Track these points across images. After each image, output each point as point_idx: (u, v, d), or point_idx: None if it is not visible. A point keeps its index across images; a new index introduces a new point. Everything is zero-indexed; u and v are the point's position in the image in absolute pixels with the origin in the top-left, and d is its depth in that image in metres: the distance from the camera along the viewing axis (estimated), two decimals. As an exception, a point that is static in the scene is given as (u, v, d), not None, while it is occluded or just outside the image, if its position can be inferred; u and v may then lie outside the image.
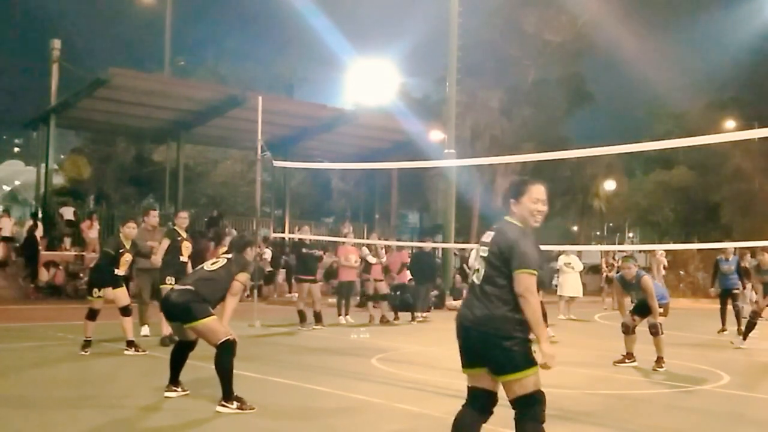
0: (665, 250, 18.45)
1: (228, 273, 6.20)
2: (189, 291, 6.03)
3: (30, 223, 20.73)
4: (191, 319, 5.96)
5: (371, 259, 14.51)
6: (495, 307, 3.86)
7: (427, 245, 16.05)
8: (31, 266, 19.12)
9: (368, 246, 15.14)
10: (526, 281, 3.80)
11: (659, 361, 8.92)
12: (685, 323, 14.77)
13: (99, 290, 8.93)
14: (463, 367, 4.03)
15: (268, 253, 20.06)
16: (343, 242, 14.59)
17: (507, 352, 3.81)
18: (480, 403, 3.97)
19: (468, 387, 4.04)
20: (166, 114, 23.41)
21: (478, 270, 4.00)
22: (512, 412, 3.86)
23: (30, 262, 19.19)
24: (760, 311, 11.65)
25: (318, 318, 13.08)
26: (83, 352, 8.79)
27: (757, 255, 12.13)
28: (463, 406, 4.04)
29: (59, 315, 14.19)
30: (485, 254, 3.97)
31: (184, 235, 10.00)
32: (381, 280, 14.69)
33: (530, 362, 3.83)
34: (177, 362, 6.36)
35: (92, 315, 8.94)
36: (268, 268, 20.29)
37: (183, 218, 10.14)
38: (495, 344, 3.83)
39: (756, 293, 11.84)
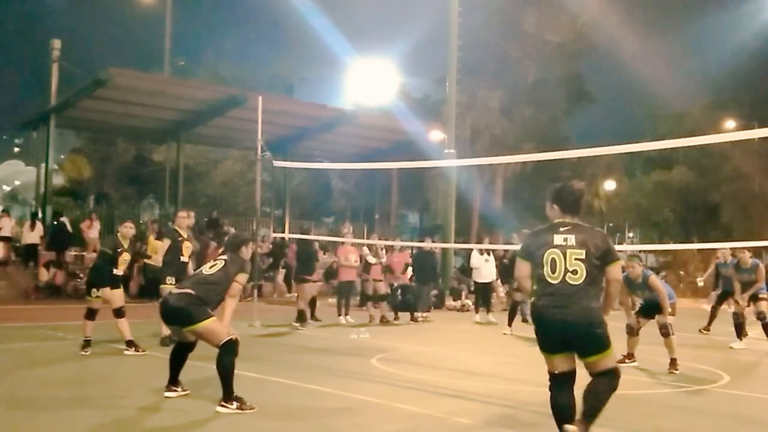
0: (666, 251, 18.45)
1: (226, 275, 6.18)
2: (187, 294, 6.00)
3: (57, 219, 21.10)
4: (190, 322, 5.94)
5: (371, 259, 14.51)
6: (592, 301, 4.62)
7: (427, 245, 16.05)
8: (58, 254, 19.54)
9: (368, 246, 15.13)
10: (619, 268, 4.78)
11: (673, 363, 8.70)
12: (685, 323, 14.74)
13: (97, 290, 8.95)
14: (547, 352, 4.70)
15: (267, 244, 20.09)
16: (343, 242, 14.57)
17: (600, 336, 4.60)
18: (567, 381, 4.66)
19: (551, 371, 4.69)
20: (166, 114, 23.40)
21: (575, 271, 4.60)
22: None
23: (58, 252, 19.54)
24: (741, 310, 11.70)
25: (304, 317, 13.11)
26: (83, 352, 8.80)
27: (737, 253, 12.13)
28: (552, 388, 4.67)
29: (59, 315, 14.18)
30: (582, 257, 4.60)
31: (185, 234, 9.93)
32: (380, 280, 14.68)
33: (610, 342, 4.67)
34: (176, 362, 6.35)
35: (91, 314, 8.95)
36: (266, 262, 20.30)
37: (182, 218, 10.04)
38: (592, 332, 4.57)
39: (736, 292, 11.88)
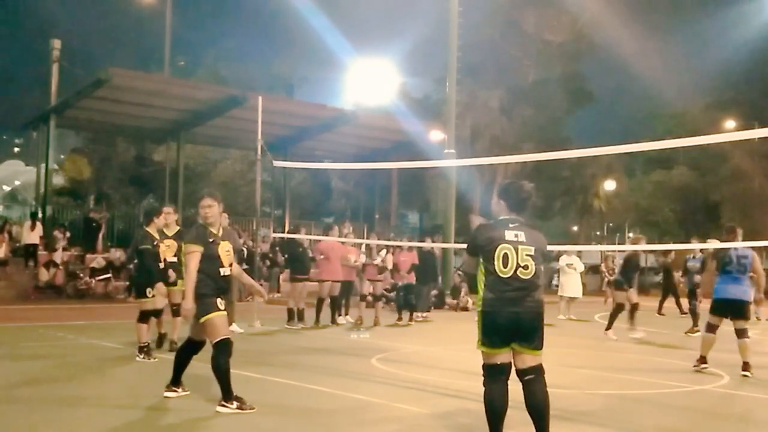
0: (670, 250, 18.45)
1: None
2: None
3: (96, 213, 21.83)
4: (195, 316, 6.02)
5: (363, 259, 14.40)
6: (540, 295, 4.83)
7: (427, 245, 16.02)
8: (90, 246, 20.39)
9: (364, 246, 15.02)
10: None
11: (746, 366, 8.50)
12: (685, 323, 14.78)
13: (152, 289, 8.69)
14: (492, 347, 4.75)
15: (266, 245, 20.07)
16: (320, 240, 14.42)
17: (543, 330, 4.84)
18: (507, 375, 4.79)
19: (493, 365, 4.77)
20: (166, 114, 23.39)
21: (526, 266, 4.74)
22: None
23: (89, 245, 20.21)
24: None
25: (301, 316, 13.08)
26: (143, 359, 8.47)
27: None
28: (492, 383, 4.77)
29: (59, 315, 14.20)
30: (532, 253, 4.76)
31: (168, 233, 9.17)
32: (378, 281, 14.62)
33: None
34: (181, 363, 6.34)
35: (146, 317, 8.62)
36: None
37: (168, 213, 9.30)
38: (540, 325, 4.80)
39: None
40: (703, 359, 8.78)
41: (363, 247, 14.85)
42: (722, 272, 8.62)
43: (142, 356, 8.51)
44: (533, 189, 5.03)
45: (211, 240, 6.06)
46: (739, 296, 8.52)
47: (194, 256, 5.97)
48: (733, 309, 8.57)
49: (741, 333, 8.55)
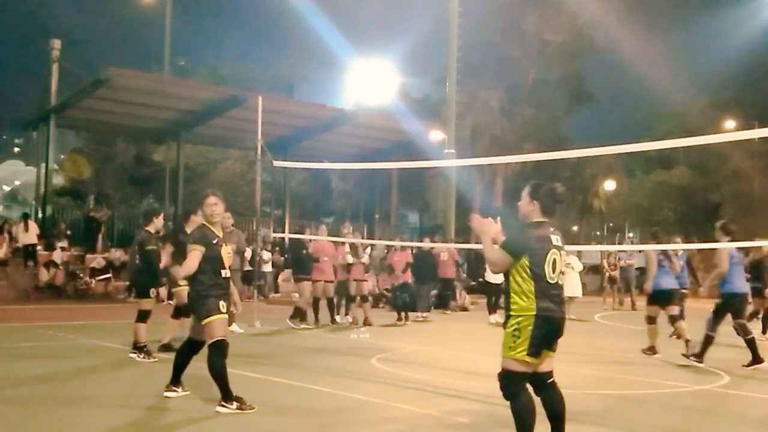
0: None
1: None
2: (197, 287, 6.10)
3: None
4: (197, 317, 6.06)
5: (349, 259, 14.35)
6: None
7: (427, 245, 16.02)
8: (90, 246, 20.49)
9: (349, 245, 14.94)
10: None
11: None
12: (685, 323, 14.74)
13: (155, 290, 8.69)
14: (538, 357, 4.56)
15: (266, 255, 20.01)
16: (312, 239, 14.38)
17: None
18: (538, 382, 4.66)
19: (525, 374, 4.55)
20: (166, 114, 23.38)
21: (563, 272, 4.72)
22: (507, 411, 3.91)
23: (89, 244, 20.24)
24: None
25: (303, 316, 13.08)
26: (143, 358, 8.43)
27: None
28: (522, 392, 4.54)
29: (59, 315, 14.20)
30: (566, 259, 4.81)
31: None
32: (364, 280, 14.58)
33: None
34: (181, 363, 6.33)
35: (146, 317, 8.58)
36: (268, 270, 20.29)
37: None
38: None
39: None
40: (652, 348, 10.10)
41: (347, 246, 14.75)
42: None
43: (142, 356, 8.46)
44: (566, 193, 4.92)
45: (214, 242, 6.05)
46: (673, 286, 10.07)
47: (195, 254, 5.96)
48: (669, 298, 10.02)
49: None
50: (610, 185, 39.02)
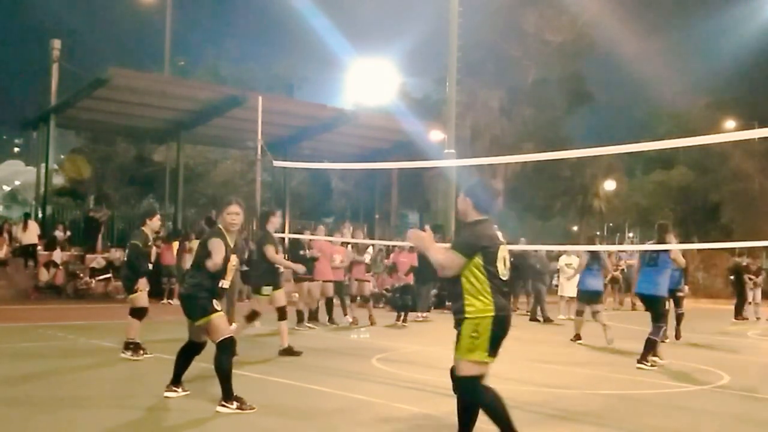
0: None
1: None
2: (189, 287, 6.08)
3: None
4: (191, 318, 6.01)
5: (350, 256, 14.34)
6: None
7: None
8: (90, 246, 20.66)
9: (352, 245, 14.94)
10: None
11: None
12: (685, 323, 14.75)
13: (137, 284, 8.59)
14: (494, 356, 4.52)
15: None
16: (312, 239, 14.36)
17: None
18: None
19: (483, 376, 4.53)
20: (166, 114, 23.39)
21: (509, 268, 4.67)
22: (512, 412, 3.93)
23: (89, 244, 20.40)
24: None
25: (312, 316, 13.07)
26: (133, 356, 8.42)
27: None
28: (485, 387, 4.53)
29: (59, 315, 14.19)
30: (507, 254, 4.65)
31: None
32: (366, 281, 14.54)
33: None
34: (182, 363, 6.33)
35: (139, 314, 8.55)
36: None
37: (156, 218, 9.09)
38: None
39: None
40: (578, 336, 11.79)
41: (349, 246, 14.73)
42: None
43: (129, 353, 8.41)
44: (500, 188, 4.94)
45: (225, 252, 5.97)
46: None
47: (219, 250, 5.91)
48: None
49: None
50: (610, 185, 39.02)
